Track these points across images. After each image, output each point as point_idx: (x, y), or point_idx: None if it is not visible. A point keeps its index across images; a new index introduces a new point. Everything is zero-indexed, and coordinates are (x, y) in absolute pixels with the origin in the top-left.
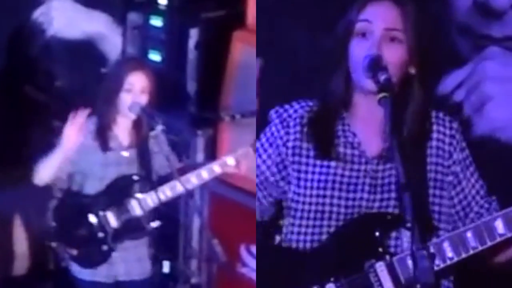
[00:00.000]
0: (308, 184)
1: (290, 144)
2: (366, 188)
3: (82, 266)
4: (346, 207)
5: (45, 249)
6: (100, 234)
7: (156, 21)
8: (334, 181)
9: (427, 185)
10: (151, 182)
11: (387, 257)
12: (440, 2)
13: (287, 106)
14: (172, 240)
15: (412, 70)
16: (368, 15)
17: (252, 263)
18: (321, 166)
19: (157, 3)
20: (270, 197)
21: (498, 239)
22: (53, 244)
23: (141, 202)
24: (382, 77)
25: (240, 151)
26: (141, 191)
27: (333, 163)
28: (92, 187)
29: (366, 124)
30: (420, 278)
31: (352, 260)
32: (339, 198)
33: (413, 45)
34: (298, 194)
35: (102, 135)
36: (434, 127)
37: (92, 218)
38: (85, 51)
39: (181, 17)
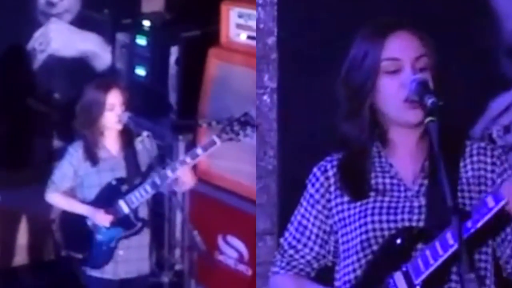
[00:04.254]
0: (352, 219)
1: (332, 188)
2: (406, 209)
3: (91, 268)
4: (389, 229)
5: (45, 241)
6: (99, 237)
7: (141, 40)
8: (373, 208)
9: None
10: (138, 182)
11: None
12: (489, 25)
13: (327, 158)
14: (158, 232)
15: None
16: (393, 52)
17: (228, 251)
18: (361, 201)
19: (142, 25)
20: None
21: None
22: (62, 252)
23: (128, 201)
24: (429, 101)
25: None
26: (129, 191)
27: (372, 193)
28: (91, 194)
29: (400, 153)
30: None
31: (377, 275)
32: (380, 222)
33: (437, 70)
34: (345, 234)
35: (90, 154)
36: (475, 158)
37: (90, 222)
38: (80, 67)
39: (163, 36)
